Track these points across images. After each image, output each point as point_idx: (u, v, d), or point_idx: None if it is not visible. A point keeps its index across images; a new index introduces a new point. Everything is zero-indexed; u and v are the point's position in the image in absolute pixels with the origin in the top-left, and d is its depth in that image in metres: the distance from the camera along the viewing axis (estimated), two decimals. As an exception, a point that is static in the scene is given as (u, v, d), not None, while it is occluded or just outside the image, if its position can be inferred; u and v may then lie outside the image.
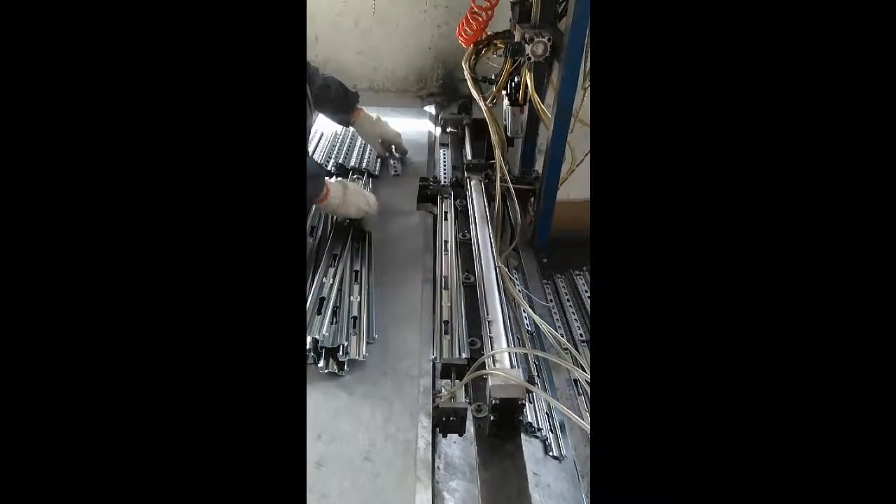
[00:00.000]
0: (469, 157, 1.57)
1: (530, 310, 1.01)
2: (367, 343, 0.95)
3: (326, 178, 1.24)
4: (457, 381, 0.86)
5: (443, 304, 1.03)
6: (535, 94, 1.26)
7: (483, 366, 0.85)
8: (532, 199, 1.54)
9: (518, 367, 0.88)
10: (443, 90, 2.10)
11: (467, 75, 1.44)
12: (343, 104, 1.48)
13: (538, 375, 0.98)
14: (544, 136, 1.47)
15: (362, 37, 2.05)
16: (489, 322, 0.96)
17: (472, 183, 1.40)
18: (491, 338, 0.93)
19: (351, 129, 1.57)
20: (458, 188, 1.44)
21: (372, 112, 1.55)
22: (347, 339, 0.93)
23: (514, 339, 0.94)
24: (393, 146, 1.57)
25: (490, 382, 0.79)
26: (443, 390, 0.87)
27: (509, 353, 0.88)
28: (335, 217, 1.27)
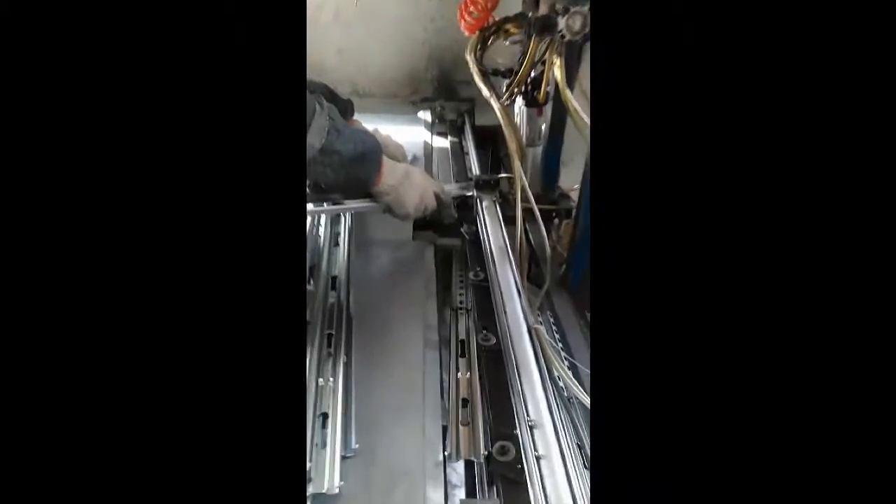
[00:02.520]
0: (476, 170, 1.26)
1: (583, 397, 0.68)
2: (343, 458, 0.62)
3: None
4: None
5: (458, 375, 0.71)
6: (567, 89, 0.96)
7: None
8: (556, 221, 1.23)
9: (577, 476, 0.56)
10: (439, 94, 1.80)
11: (473, 68, 1.14)
12: (359, 170, 1.13)
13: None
14: (572, 144, 1.17)
15: (344, 32, 1.75)
16: (524, 403, 0.64)
17: (484, 204, 1.09)
18: (531, 426, 0.61)
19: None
20: (465, 210, 1.13)
21: (366, 123, 1.20)
22: (311, 457, 0.60)
23: (566, 440, 0.61)
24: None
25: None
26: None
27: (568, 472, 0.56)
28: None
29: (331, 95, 1.10)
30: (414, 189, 0.94)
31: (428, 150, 1.43)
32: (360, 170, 0.86)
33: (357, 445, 0.64)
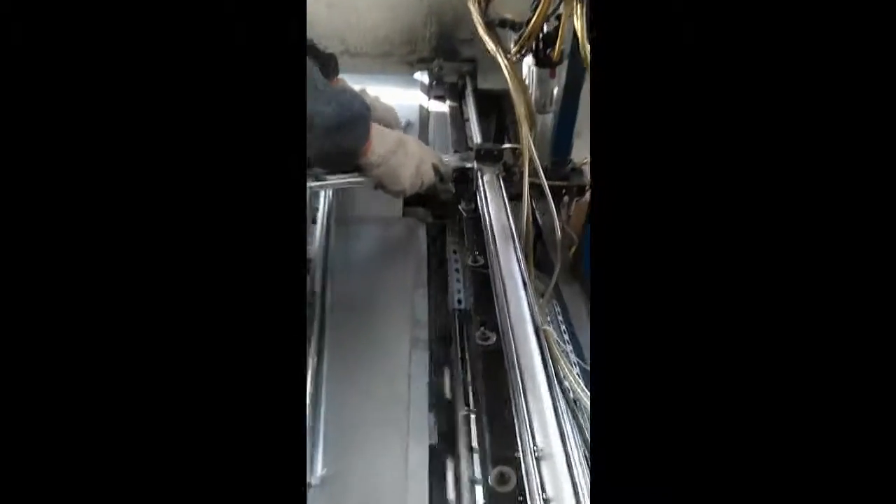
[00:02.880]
0: (477, 139, 1.12)
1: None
2: (306, 488, 0.50)
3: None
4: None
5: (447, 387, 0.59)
6: (588, 44, 0.81)
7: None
8: (566, 199, 1.10)
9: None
10: (437, 54, 1.64)
11: (476, 18, 0.99)
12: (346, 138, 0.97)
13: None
14: (587, 111, 1.03)
15: (333, -18, 1.58)
16: (530, 426, 0.53)
17: (485, 178, 0.95)
18: (538, 457, 0.49)
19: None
20: (464, 184, 0.99)
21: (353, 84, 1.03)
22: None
23: (577, 461, 0.50)
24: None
25: None
26: None
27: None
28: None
29: (311, 50, 0.95)
30: (409, 160, 0.80)
31: (424, 115, 1.28)
32: (344, 138, 0.72)
33: (324, 471, 0.53)
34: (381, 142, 0.76)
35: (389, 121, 1.02)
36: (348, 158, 0.75)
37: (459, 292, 0.78)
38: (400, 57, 1.67)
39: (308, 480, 0.52)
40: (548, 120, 1.10)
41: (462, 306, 0.75)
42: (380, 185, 0.80)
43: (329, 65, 0.96)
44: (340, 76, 0.99)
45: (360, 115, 0.73)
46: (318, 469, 0.53)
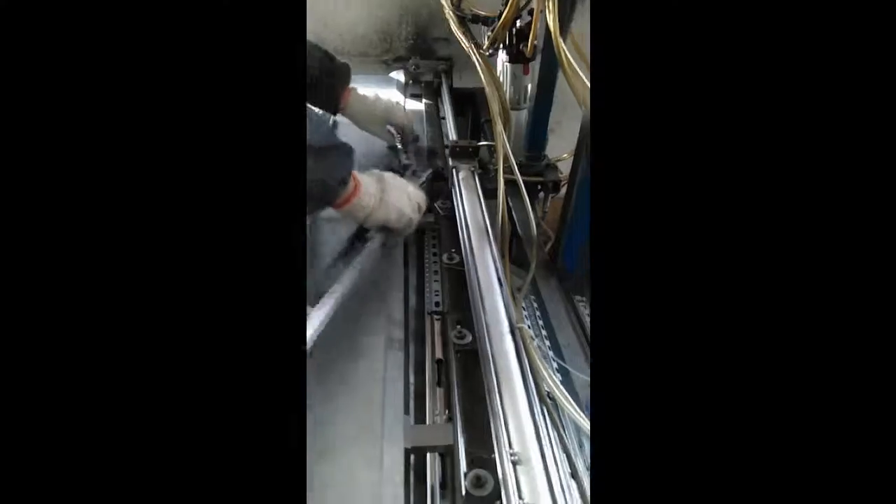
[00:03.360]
0: (453, 136, 1.11)
1: (579, 418, 0.55)
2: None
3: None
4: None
5: (427, 402, 0.58)
6: (560, 40, 0.80)
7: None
8: (541, 195, 1.10)
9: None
10: (413, 53, 1.63)
11: (449, 13, 0.98)
12: (329, 83, 0.91)
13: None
14: (561, 108, 1.02)
15: (306, -20, 1.55)
16: (506, 428, 0.52)
17: (461, 175, 0.95)
18: (514, 461, 0.48)
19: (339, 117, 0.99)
20: (440, 181, 0.98)
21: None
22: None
23: (553, 464, 0.49)
24: (401, 130, 1.00)
25: None
26: None
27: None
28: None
29: (327, 59, 0.90)
30: (398, 191, 0.76)
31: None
32: (330, 166, 0.66)
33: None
34: (369, 189, 0.73)
35: (405, 121, 0.99)
36: (331, 194, 0.70)
37: (437, 294, 0.77)
38: (376, 56, 1.66)
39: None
40: (522, 116, 1.09)
41: (439, 308, 0.74)
42: (387, 226, 0.77)
43: (343, 76, 0.93)
44: (353, 85, 0.96)
45: (336, 155, 0.69)
46: None
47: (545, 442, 0.49)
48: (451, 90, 1.37)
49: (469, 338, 0.66)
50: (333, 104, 0.95)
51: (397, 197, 0.76)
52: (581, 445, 0.54)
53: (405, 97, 1.36)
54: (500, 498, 0.49)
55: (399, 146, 1.01)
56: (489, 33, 0.96)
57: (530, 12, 0.93)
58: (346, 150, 0.70)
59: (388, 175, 0.78)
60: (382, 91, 1.03)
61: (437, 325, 0.71)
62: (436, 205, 0.93)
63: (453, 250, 0.82)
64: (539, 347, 0.64)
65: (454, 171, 0.96)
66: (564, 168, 1.07)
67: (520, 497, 0.45)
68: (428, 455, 0.56)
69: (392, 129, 0.99)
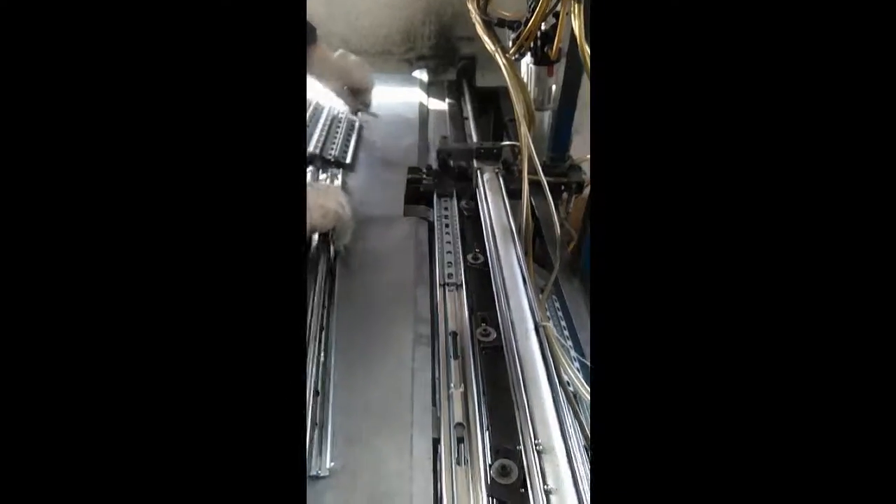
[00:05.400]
0: (476, 137, 1.13)
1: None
2: (317, 477, 0.52)
3: None
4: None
5: (451, 391, 0.60)
6: (585, 44, 0.82)
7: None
8: (565, 195, 1.11)
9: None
10: (436, 52, 1.64)
11: (475, 17, 1.00)
12: None
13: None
14: (585, 108, 1.04)
15: (332, -20, 1.58)
16: (531, 420, 0.54)
17: (485, 176, 0.97)
18: (539, 451, 0.51)
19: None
20: (464, 182, 1.01)
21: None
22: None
23: (577, 455, 0.51)
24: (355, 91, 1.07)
25: None
26: None
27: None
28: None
29: None
30: (314, 211, 0.78)
31: (423, 113, 1.30)
32: None
33: (332, 464, 0.54)
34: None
35: (362, 77, 1.05)
36: None
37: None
38: (399, 55, 1.68)
39: (318, 472, 0.54)
40: (546, 117, 1.11)
41: (452, 280, 0.77)
42: (316, 228, 0.80)
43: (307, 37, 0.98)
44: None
45: None
46: (327, 462, 0.54)
47: (569, 434, 0.51)
48: (474, 89, 1.39)
49: (493, 335, 0.69)
50: None
51: (321, 199, 0.79)
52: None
53: (428, 96, 1.38)
54: (524, 486, 0.51)
55: (361, 109, 1.09)
56: (514, 36, 0.97)
57: (556, 15, 0.94)
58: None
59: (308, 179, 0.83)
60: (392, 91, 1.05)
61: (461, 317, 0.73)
62: (460, 205, 0.95)
63: (478, 250, 0.84)
64: (562, 346, 0.66)
65: (478, 172, 0.98)
66: (588, 169, 1.08)
67: (544, 483, 0.47)
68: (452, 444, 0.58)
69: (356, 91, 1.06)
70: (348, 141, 1.12)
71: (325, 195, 0.81)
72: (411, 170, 1.02)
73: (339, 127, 1.14)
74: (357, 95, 1.08)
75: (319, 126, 1.12)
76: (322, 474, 0.54)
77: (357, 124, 1.16)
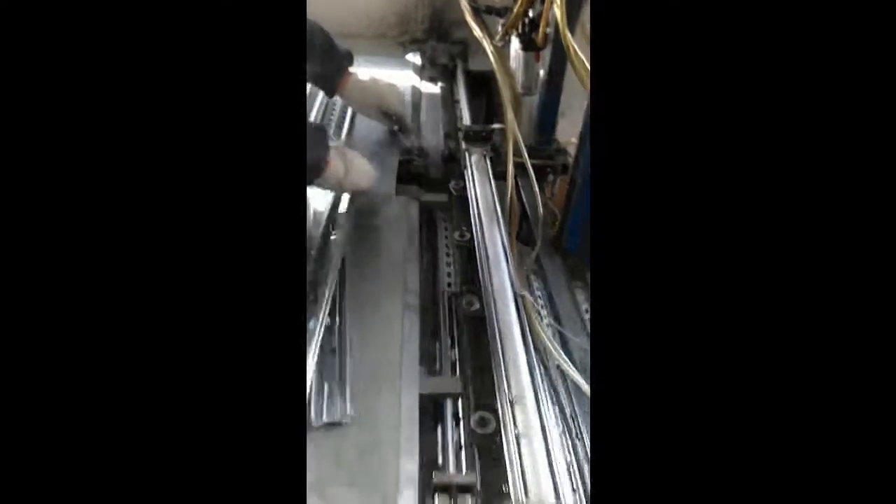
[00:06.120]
0: (467, 120, 1.18)
1: (576, 376, 0.63)
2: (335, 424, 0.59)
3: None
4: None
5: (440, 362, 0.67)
6: (568, 31, 0.86)
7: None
8: (550, 177, 1.16)
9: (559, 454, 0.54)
10: (430, 35, 1.67)
11: (464, 4, 1.04)
12: (328, 66, 1.00)
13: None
14: (571, 93, 1.08)
15: (327, -37, 1.60)
16: (506, 376, 0.60)
17: (473, 158, 1.02)
18: (513, 406, 0.57)
19: (335, 99, 1.10)
20: (453, 163, 1.06)
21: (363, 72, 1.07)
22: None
23: (551, 413, 0.58)
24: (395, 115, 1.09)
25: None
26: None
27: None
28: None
29: (328, 44, 0.98)
30: (358, 174, 0.88)
31: (416, 96, 1.33)
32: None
33: (352, 412, 0.61)
34: (335, 161, 0.84)
35: (393, 100, 1.08)
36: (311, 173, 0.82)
37: (449, 266, 0.85)
38: (393, 38, 1.71)
39: (340, 420, 0.60)
40: (533, 101, 1.15)
41: (451, 280, 0.83)
42: (340, 188, 0.89)
43: (342, 63, 1.03)
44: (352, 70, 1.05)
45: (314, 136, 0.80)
46: (348, 409, 0.61)
47: (538, 386, 0.57)
48: (466, 73, 1.43)
49: (477, 305, 0.75)
50: (330, 88, 1.04)
51: (360, 163, 0.89)
52: (568, 389, 0.62)
53: (421, 79, 1.42)
54: (498, 435, 0.57)
55: (396, 129, 1.10)
56: (502, 22, 1.01)
57: (542, 1, 0.98)
58: (324, 133, 0.84)
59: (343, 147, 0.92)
60: (386, 74, 1.10)
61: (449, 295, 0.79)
62: (449, 186, 1.00)
63: (464, 228, 0.89)
64: (538, 313, 0.72)
65: (467, 154, 1.03)
66: (574, 151, 1.13)
67: (515, 427, 0.54)
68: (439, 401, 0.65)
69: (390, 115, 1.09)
70: (342, 123, 1.16)
71: (364, 162, 0.89)
72: (403, 150, 1.07)
73: (332, 111, 1.19)
74: (391, 118, 1.10)
75: (314, 110, 1.17)
76: (345, 421, 0.60)
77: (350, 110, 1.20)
